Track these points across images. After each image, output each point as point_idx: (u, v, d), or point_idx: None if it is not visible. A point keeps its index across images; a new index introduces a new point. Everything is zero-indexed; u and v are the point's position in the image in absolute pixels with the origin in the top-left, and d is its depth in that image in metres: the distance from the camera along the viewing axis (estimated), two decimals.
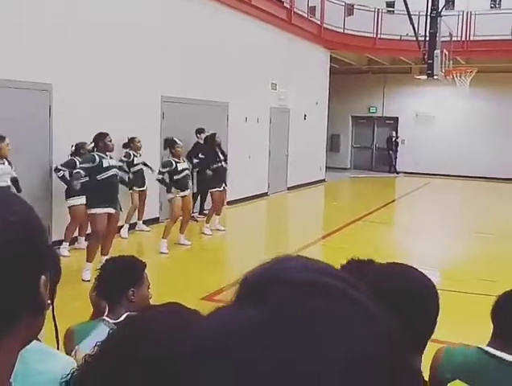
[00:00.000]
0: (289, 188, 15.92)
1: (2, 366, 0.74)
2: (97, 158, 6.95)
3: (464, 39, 17.94)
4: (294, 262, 0.53)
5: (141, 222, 9.80)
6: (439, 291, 1.51)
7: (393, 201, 15.89)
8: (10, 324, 0.72)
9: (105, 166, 6.98)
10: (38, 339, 0.86)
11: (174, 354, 0.49)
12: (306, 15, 16.25)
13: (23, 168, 7.64)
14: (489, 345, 2.03)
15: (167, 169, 8.49)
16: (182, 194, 8.56)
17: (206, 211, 10.50)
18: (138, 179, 9.37)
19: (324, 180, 18.44)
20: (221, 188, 9.88)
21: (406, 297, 1.41)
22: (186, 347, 0.48)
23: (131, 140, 9.37)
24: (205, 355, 0.45)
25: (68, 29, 8.28)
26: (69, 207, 7.93)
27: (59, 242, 7.88)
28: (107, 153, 7.09)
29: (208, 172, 9.78)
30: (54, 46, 8.07)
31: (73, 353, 2.51)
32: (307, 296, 0.47)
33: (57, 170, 7.86)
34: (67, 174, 7.69)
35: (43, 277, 0.77)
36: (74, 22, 8.39)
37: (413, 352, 1.38)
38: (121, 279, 2.81)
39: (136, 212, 9.62)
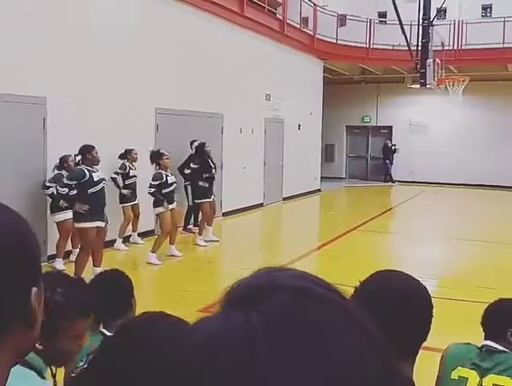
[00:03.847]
0: (284, 198, 15.92)
1: None
2: (87, 173, 6.90)
3: (456, 47, 18.08)
4: (284, 272, 0.52)
5: (136, 234, 9.75)
6: (436, 299, 1.51)
7: (389, 210, 15.90)
8: None
9: (95, 179, 6.94)
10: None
11: (166, 362, 0.49)
12: (299, 26, 16.34)
13: (18, 181, 7.62)
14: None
15: (158, 182, 8.38)
16: (170, 206, 8.48)
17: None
18: (132, 193, 9.28)
19: (319, 190, 18.46)
20: (211, 199, 9.90)
21: (401, 302, 1.42)
22: (178, 355, 0.48)
23: (128, 151, 9.31)
24: (196, 362, 0.45)
25: (61, 43, 8.29)
26: (56, 223, 7.87)
27: (55, 256, 7.85)
28: (93, 166, 7.02)
29: (203, 183, 9.79)
30: (48, 59, 8.08)
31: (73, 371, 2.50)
32: (300, 304, 0.47)
33: (46, 187, 7.81)
34: (55, 190, 7.64)
35: (34, 288, 0.76)
36: (68, 35, 8.40)
37: (403, 359, 1.39)
38: (116, 291, 2.81)
39: (130, 225, 9.57)
